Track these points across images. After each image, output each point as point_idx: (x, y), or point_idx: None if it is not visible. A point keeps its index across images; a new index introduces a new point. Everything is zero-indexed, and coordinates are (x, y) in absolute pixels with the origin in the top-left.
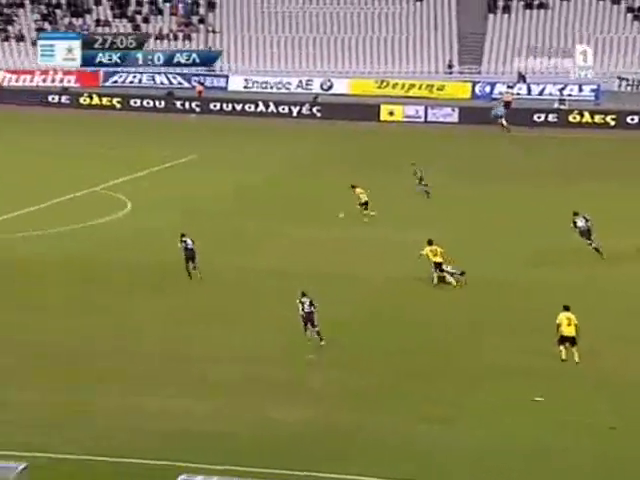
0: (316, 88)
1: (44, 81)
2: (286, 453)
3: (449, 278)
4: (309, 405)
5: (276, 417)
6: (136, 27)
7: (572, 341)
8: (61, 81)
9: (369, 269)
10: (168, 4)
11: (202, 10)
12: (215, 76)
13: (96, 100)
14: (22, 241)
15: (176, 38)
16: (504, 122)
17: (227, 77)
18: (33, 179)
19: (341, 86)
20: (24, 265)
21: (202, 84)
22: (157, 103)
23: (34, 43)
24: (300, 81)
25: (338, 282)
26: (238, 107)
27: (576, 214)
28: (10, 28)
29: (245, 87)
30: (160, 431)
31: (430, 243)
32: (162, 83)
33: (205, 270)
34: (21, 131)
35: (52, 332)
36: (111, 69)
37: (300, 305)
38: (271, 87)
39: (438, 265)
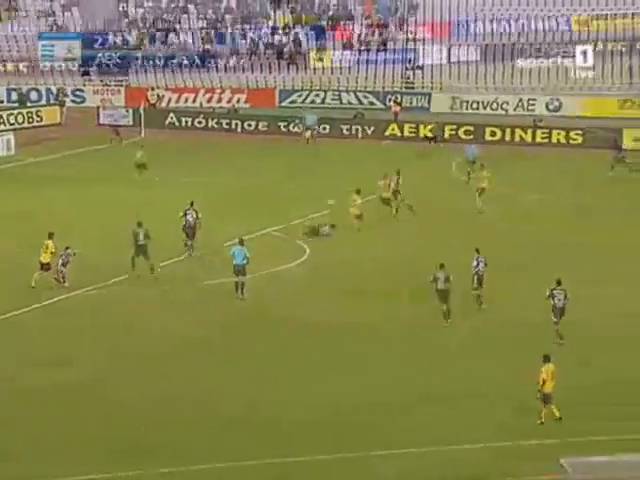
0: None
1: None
2: None
3: None
4: None
5: None
6: None
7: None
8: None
9: None
10: None
11: None
12: (415, 94)
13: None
14: None
15: None
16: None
17: (429, 95)
18: None
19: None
20: None
21: (399, 103)
22: (344, 127)
23: None
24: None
25: None
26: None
27: None
28: None
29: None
30: None
31: None
32: (350, 103)
33: None
34: None
35: None
36: (288, 88)
37: None
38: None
39: None
